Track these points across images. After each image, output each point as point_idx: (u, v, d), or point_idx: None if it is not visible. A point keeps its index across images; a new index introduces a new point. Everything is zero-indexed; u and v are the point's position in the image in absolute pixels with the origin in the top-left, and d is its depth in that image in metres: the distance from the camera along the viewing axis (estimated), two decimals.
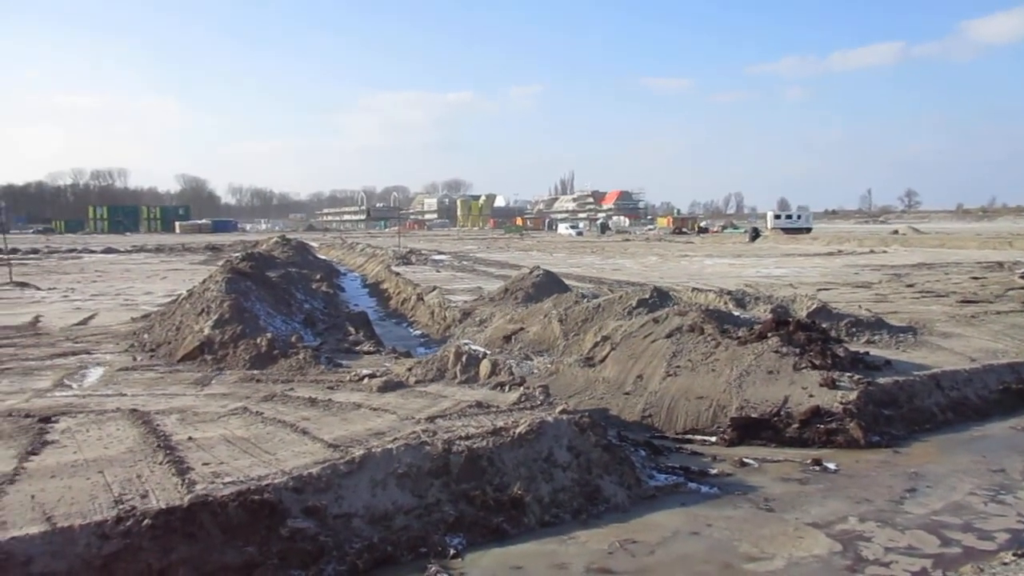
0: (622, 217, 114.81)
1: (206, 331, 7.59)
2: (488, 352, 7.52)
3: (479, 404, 5.49)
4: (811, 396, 5.94)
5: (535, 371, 7.62)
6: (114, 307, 12.41)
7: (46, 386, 6.32)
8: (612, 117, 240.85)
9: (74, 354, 7.83)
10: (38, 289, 16.09)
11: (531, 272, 12.85)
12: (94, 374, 6.81)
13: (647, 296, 8.95)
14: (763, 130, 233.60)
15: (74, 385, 6.38)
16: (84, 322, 10.50)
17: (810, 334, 6.87)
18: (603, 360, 7.33)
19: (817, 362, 6.31)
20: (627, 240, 52.95)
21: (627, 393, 6.65)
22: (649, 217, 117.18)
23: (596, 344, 7.76)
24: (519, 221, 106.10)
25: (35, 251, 35.46)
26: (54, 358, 7.60)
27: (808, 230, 53.84)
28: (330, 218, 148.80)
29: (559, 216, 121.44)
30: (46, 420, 5.15)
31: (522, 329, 9.23)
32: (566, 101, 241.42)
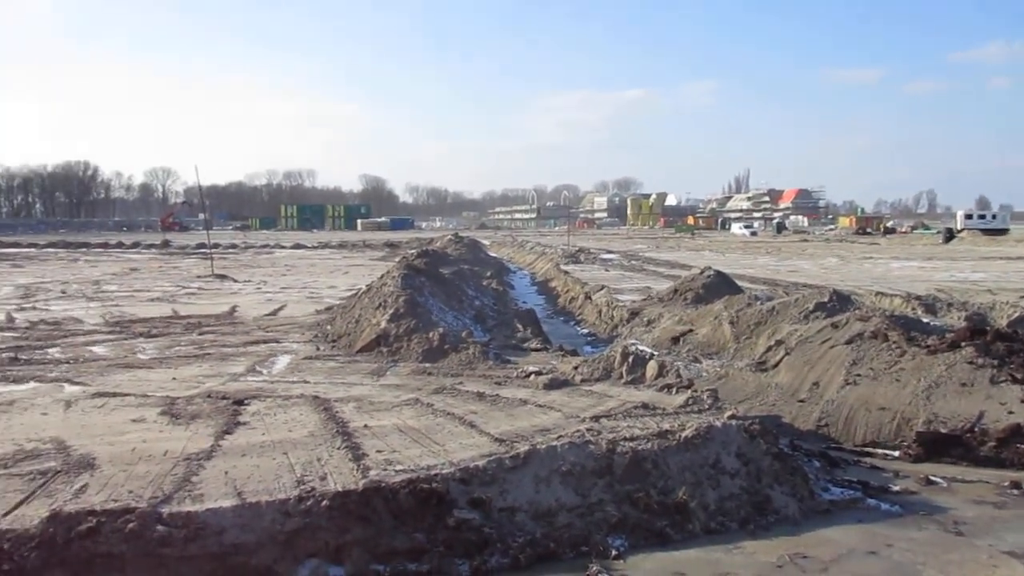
0: (800, 216, 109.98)
1: (383, 324, 7.94)
2: (655, 353, 7.42)
3: (645, 405, 5.42)
4: (1011, 413, 5.44)
5: (703, 374, 7.43)
6: (301, 299, 13.23)
7: (240, 371, 6.83)
8: (790, 112, 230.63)
9: (265, 342, 8.41)
10: (235, 281, 17.41)
11: (702, 272, 12.56)
12: (282, 362, 7.28)
13: (825, 299, 8.52)
14: (962, 122, 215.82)
15: (264, 371, 6.85)
16: (274, 313, 11.26)
17: (1011, 345, 6.28)
18: (776, 365, 7.05)
19: (1019, 376, 5.77)
20: (805, 240, 50.69)
21: (801, 401, 6.36)
22: (830, 216, 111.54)
23: (769, 348, 7.48)
24: (690, 220, 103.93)
25: (233, 246, 38.48)
26: (247, 345, 8.20)
27: (1005, 231, 49.27)
28: (501, 216, 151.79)
29: (732, 215, 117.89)
30: (239, 403, 5.57)
31: (691, 331, 9.04)
32: (742, 97, 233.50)
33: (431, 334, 7.60)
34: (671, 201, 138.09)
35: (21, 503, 3.70)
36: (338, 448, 4.49)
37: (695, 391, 5.74)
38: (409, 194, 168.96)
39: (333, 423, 5.02)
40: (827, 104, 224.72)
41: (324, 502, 3.75)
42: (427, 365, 7.01)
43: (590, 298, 13.55)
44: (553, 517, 4.06)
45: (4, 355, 7.55)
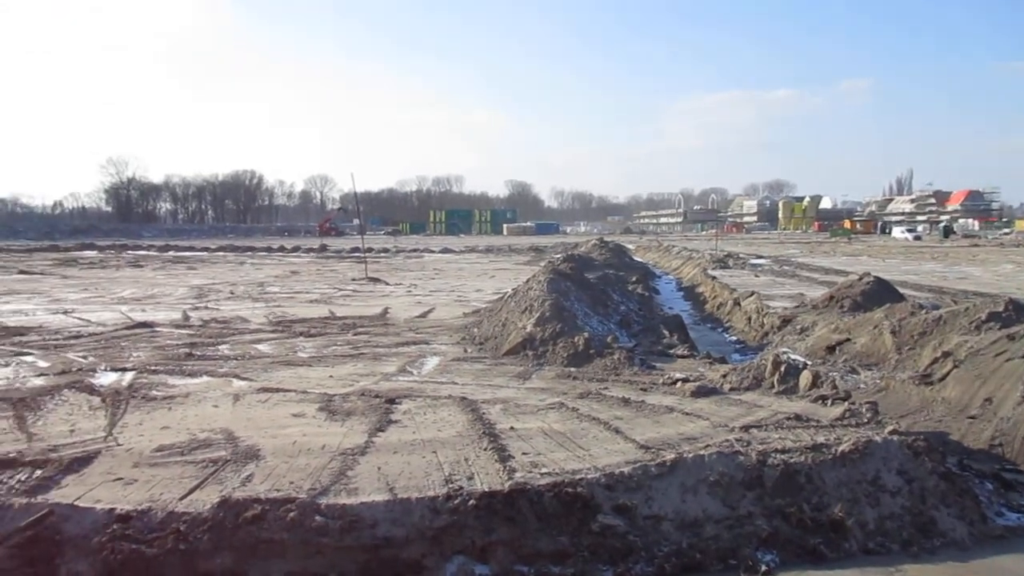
0: (970, 220, 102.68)
1: (528, 328, 8.02)
2: (809, 362, 7.12)
3: (798, 417, 5.21)
4: None
5: (861, 386, 7.07)
6: (449, 302, 13.56)
7: (392, 371, 7.07)
8: (957, 109, 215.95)
9: (415, 344, 8.68)
10: (387, 284, 18.06)
11: (860, 279, 11.95)
12: (431, 363, 7.49)
13: (1000, 309, 7.90)
14: None
15: (414, 371, 7.07)
16: (424, 315, 11.59)
17: None
18: (943, 378, 6.61)
19: None
20: (975, 245, 47.27)
21: (971, 417, 5.93)
22: (1004, 220, 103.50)
23: (935, 360, 7.02)
24: (847, 224, 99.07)
25: (385, 250, 39.93)
26: (399, 346, 8.48)
27: None
28: (647, 221, 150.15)
29: (893, 218, 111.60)
30: (391, 401, 5.77)
31: (848, 340, 8.61)
32: (901, 94, 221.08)
33: (576, 338, 7.61)
34: (826, 204, 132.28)
35: (195, 488, 3.98)
36: (485, 449, 4.57)
37: (852, 403, 5.46)
38: (554, 198, 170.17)
39: (480, 424, 5.11)
40: (1001, 100, 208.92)
41: (471, 501, 3.83)
42: (572, 369, 7.02)
43: (739, 304, 13.17)
44: (700, 528, 3.97)
45: (181, 351, 8.14)
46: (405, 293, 15.73)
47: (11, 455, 4.46)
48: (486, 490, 3.91)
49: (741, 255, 30.81)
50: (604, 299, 11.61)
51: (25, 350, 8.27)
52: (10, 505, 3.76)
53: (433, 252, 39.48)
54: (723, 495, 4.09)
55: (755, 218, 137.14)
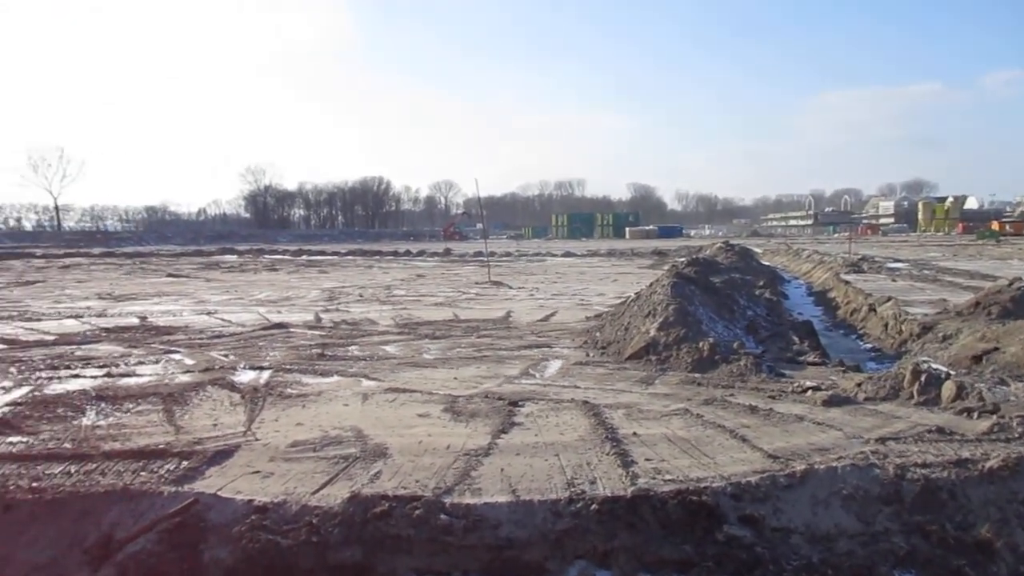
0: None
1: (651, 332, 7.92)
2: (952, 372, 6.72)
3: (940, 430, 4.93)
4: None
5: (1012, 398, 6.61)
6: (571, 306, 13.56)
7: (514, 373, 7.13)
8: None
9: (537, 347, 8.72)
10: (510, 288, 18.23)
11: (1010, 284, 11.17)
12: (553, 366, 7.51)
13: None
14: None
15: (537, 375, 7.10)
16: (546, 319, 11.64)
17: None
18: None
19: None
20: None
21: None
22: None
23: None
24: (995, 225, 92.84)
25: (508, 254, 40.33)
26: (521, 349, 8.54)
27: None
28: (775, 223, 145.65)
29: None
30: (514, 404, 5.82)
31: (996, 349, 8.08)
32: None
33: (701, 344, 7.46)
34: (971, 204, 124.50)
35: (326, 483, 4.14)
36: (607, 454, 4.54)
37: (1002, 417, 5.11)
38: (678, 201, 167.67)
39: (602, 428, 5.09)
40: None
41: (593, 506, 3.81)
42: (696, 375, 6.89)
43: (874, 310, 12.57)
44: (832, 542, 3.81)
45: (313, 351, 8.48)
46: (527, 297, 15.83)
47: (161, 446, 4.77)
48: (608, 495, 3.89)
49: (877, 258, 29.40)
50: (730, 304, 11.33)
51: (173, 348, 8.82)
52: (160, 492, 4.02)
53: (555, 256, 39.58)
54: (857, 509, 3.92)
55: (892, 220, 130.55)
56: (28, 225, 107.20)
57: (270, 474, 4.30)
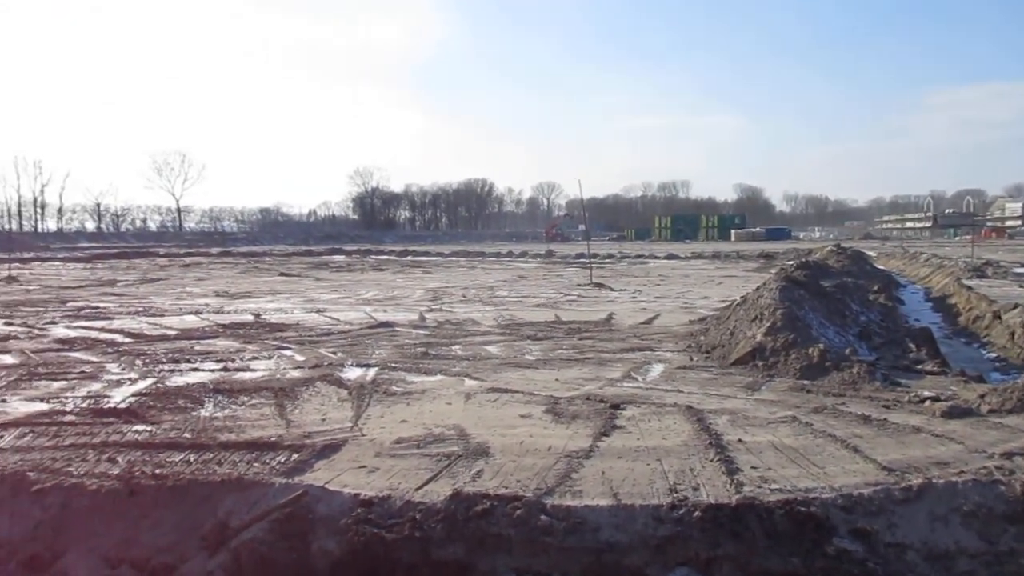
0: None
1: (758, 337, 7.73)
2: None
3: None
4: None
5: None
6: (674, 309, 13.37)
7: (616, 376, 7.08)
8: None
9: (639, 350, 8.63)
10: (611, 290, 18.11)
11: None
12: (655, 370, 7.42)
13: None
14: None
15: (639, 378, 7.03)
16: (648, 322, 11.51)
17: None
18: None
19: None
20: None
21: None
22: None
23: None
24: None
25: (610, 256, 40.09)
26: (623, 352, 8.48)
27: None
28: (890, 226, 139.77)
29: None
30: (616, 407, 5.78)
31: None
32: None
33: (811, 350, 7.22)
34: None
35: (429, 480, 4.21)
36: (711, 460, 4.45)
37: None
38: (786, 203, 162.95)
39: (706, 434, 4.99)
40: None
41: (696, 513, 3.75)
42: (805, 382, 6.67)
43: (999, 317, 11.89)
44: (951, 561, 3.62)
45: (418, 350, 8.65)
46: (630, 299, 15.70)
47: (273, 439, 4.95)
48: (712, 502, 3.81)
49: (1002, 263, 27.79)
50: (841, 309, 10.94)
51: (285, 344, 9.15)
52: (272, 483, 4.17)
53: (658, 258, 39.11)
54: (980, 527, 3.71)
55: (1020, 222, 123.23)
56: (152, 226, 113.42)
57: (375, 469, 4.41)
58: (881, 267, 30.31)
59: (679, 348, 8.77)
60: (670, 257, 39.93)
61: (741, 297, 10.66)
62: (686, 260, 37.44)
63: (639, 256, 41.46)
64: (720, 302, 13.95)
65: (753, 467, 4.32)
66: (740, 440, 4.86)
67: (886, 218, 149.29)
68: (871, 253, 40.81)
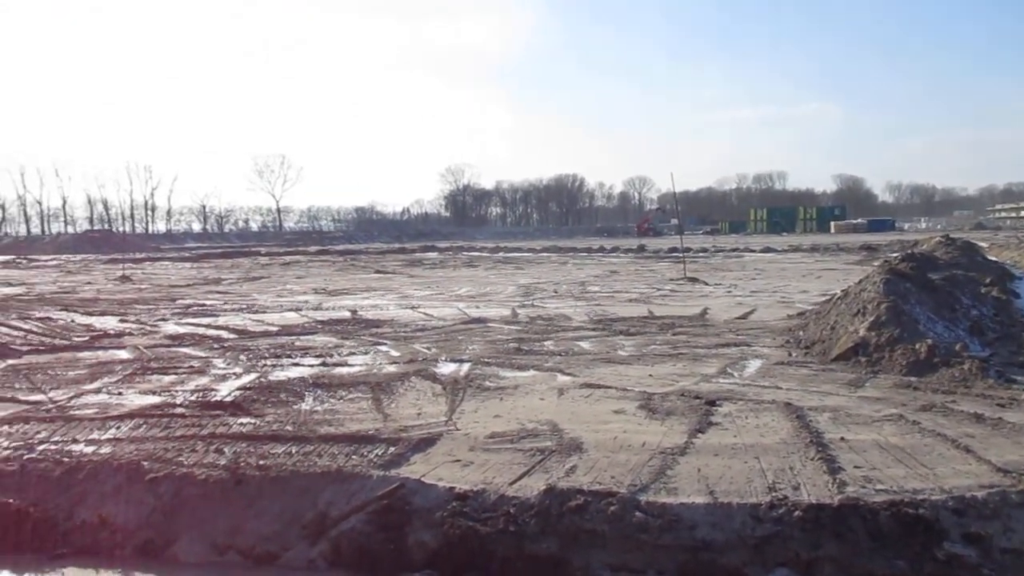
0: None
1: (861, 332, 7.47)
2: None
3: None
4: None
5: None
6: (771, 303, 13.04)
7: (711, 372, 6.95)
8: None
9: (735, 345, 8.46)
10: (706, 284, 17.80)
11: None
12: (752, 366, 7.25)
13: None
14: None
15: (735, 374, 6.89)
16: (744, 316, 11.26)
17: None
18: None
19: None
20: None
21: None
22: None
23: None
24: None
25: (703, 250, 39.36)
26: (718, 347, 8.32)
27: None
28: (1004, 215, 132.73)
29: None
30: (711, 403, 5.68)
31: None
32: None
33: (918, 345, 6.93)
34: None
35: (523, 475, 4.23)
36: (811, 459, 4.33)
37: None
38: (889, 193, 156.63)
39: (806, 432, 4.85)
40: None
41: (797, 512, 3.65)
42: (912, 379, 6.41)
43: None
44: None
45: (510, 345, 8.69)
46: (724, 293, 15.40)
47: (370, 432, 5.06)
48: (813, 502, 3.70)
49: None
50: (951, 303, 10.44)
51: (380, 340, 9.34)
52: (369, 476, 4.27)
53: (754, 251, 38.18)
54: None
55: None
56: (254, 226, 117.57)
57: (470, 463, 4.45)
58: (994, 258, 28.80)
59: (777, 343, 8.55)
60: (766, 250, 38.93)
61: (842, 291, 10.30)
62: (783, 253, 36.44)
63: (734, 249, 40.58)
64: (819, 296, 13.53)
65: (856, 466, 4.17)
66: (842, 438, 4.70)
67: (999, 207, 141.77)
68: (983, 244, 38.85)
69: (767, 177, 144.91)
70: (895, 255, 19.71)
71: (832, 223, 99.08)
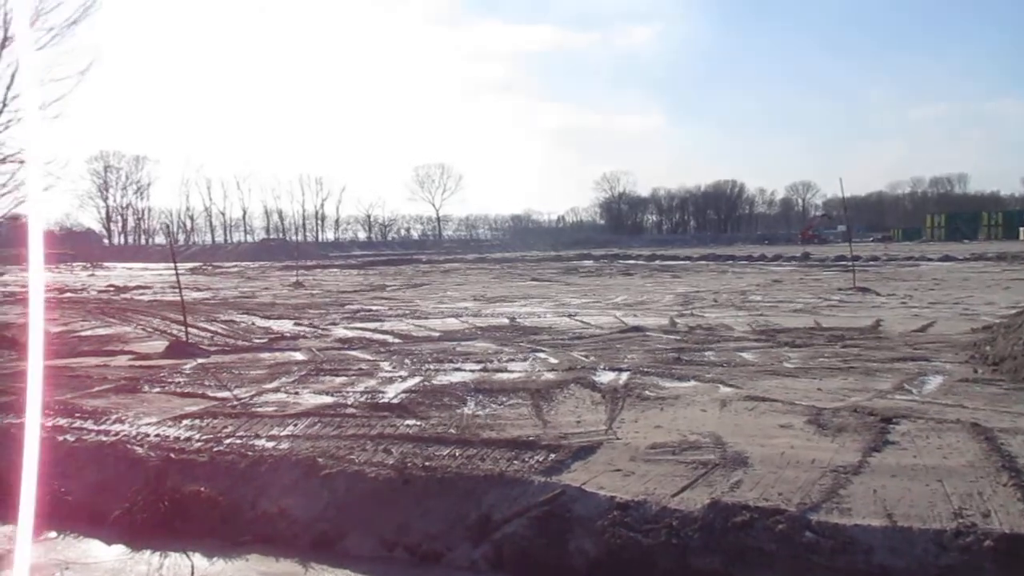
0: None
1: None
2: None
3: None
4: None
5: None
6: (952, 316, 12.19)
7: (886, 388, 6.57)
8: None
9: (912, 360, 7.95)
10: (877, 295, 16.86)
11: None
12: (932, 382, 6.80)
13: None
14: None
15: (913, 390, 6.48)
16: (922, 329, 10.59)
17: None
18: None
19: None
20: None
21: None
22: None
23: None
24: None
25: (874, 258, 37.28)
26: (893, 361, 7.85)
27: None
28: None
29: None
30: (887, 420, 5.36)
31: None
32: None
33: None
34: None
35: (685, 487, 4.15)
36: (1004, 484, 3.99)
37: None
38: None
39: (997, 455, 4.48)
40: None
41: (988, 542, 3.38)
42: None
43: None
44: None
45: (669, 355, 8.56)
46: (899, 304, 14.53)
47: (531, 438, 5.12)
48: (1007, 532, 3.42)
49: None
50: None
51: (538, 347, 9.44)
52: (531, 481, 4.32)
53: (931, 260, 35.80)
54: None
55: None
56: (415, 234, 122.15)
57: (631, 473, 4.42)
58: None
59: (960, 359, 7.97)
60: (945, 259, 36.38)
61: None
62: (964, 262, 33.93)
63: (908, 258, 38.21)
64: (1008, 309, 12.49)
65: None
66: None
67: None
68: None
69: (945, 180, 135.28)
70: None
71: (1021, 230, 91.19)
